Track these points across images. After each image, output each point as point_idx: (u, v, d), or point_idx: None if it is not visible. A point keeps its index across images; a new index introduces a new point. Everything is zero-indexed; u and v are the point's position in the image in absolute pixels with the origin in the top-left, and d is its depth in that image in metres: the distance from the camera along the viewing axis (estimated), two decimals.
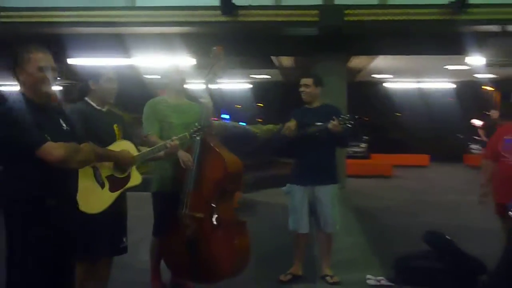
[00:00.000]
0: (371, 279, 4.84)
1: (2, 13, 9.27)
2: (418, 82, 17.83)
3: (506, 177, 4.58)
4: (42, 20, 9.29)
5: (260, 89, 19.76)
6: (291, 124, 4.70)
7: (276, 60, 13.25)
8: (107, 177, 3.51)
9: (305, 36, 9.85)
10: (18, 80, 2.92)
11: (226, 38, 9.82)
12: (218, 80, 4.49)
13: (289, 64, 13.50)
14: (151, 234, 4.51)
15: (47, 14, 9.30)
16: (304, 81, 4.85)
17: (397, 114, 21.52)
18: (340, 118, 4.50)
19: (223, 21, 9.09)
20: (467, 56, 9.89)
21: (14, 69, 2.91)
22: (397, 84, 17.65)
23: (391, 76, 16.49)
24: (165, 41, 9.98)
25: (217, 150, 4.34)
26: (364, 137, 18.03)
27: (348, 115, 4.56)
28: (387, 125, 20.68)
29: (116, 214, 3.61)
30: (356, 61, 12.52)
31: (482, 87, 26.78)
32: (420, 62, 13.30)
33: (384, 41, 9.82)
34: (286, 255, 5.12)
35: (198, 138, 4.16)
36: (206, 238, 4.17)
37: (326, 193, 4.74)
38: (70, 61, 11.00)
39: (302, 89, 4.84)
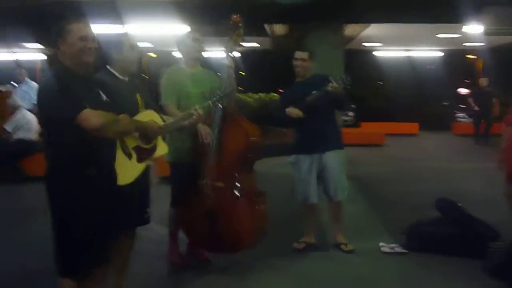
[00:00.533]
0: (385, 247, 4.92)
1: None
2: (408, 50, 17.83)
3: None
4: None
5: (247, 57, 19.56)
6: (296, 111, 4.69)
7: (269, 28, 13.10)
8: (133, 148, 3.47)
9: (300, 3, 9.71)
10: (59, 50, 2.93)
11: (218, 4, 9.70)
12: (237, 48, 4.46)
13: (282, 33, 13.36)
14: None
15: None
16: (301, 54, 4.81)
17: (379, 82, 21.57)
18: (338, 80, 4.51)
19: None
20: (463, 24, 9.87)
21: (55, 40, 2.92)
22: (387, 52, 17.62)
23: (381, 44, 16.44)
24: (159, 8, 9.77)
25: (238, 118, 4.33)
26: (352, 105, 18.04)
27: (344, 76, 4.58)
28: (374, 93, 20.72)
29: (140, 185, 3.59)
30: (349, 30, 12.43)
31: (466, 55, 26.97)
32: (411, 31, 13.25)
33: (379, 9, 9.73)
34: (295, 226, 5.17)
35: (220, 106, 4.13)
36: (227, 208, 4.19)
37: (335, 158, 4.79)
38: None
39: (298, 63, 4.81)
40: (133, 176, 3.44)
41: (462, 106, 19.80)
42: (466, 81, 22.88)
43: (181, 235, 4.55)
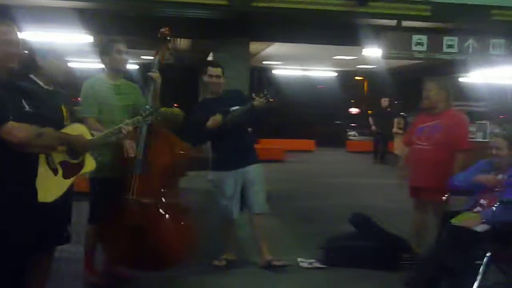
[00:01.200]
0: (303, 262, 5.00)
1: None
2: (305, 70, 18.52)
3: (417, 161, 4.95)
4: None
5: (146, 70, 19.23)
6: (218, 117, 4.63)
7: (173, 42, 13.01)
8: (60, 163, 3.25)
9: (209, 19, 9.76)
10: None
11: (122, 16, 9.50)
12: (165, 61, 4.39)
13: (185, 47, 13.32)
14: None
15: None
16: (215, 71, 4.81)
17: (271, 100, 22.22)
18: (262, 94, 4.58)
19: None
20: (364, 47, 10.45)
21: None
22: (286, 71, 18.19)
23: (280, 63, 16.95)
24: (59, 16, 9.35)
25: (164, 133, 4.24)
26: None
27: (268, 90, 4.64)
28: (272, 110, 21.24)
29: (62, 202, 3.37)
30: (252, 47, 12.68)
31: (355, 77, 28.43)
32: (310, 51, 13.80)
33: (286, 29, 10.04)
34: (215, 241, 5.12)
35: (149, 121, 4.00)
36: (153, 224, 4.06)
37: (256, 173, 4.84)
38: None
39: (213, 79, 4.80)
40: (58, 193, 3.22)
41: (353, 124, 20.88)
42: (352, 101, 24.23)
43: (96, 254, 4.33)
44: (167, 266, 4.21)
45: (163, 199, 4.11)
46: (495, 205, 3.93)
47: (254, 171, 4.81)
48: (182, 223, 4.20)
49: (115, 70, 4.32)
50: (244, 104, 4.66)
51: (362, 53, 10.97)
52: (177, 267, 4.26)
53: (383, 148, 14.39)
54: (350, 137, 19.43)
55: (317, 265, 4.95)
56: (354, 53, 13.88)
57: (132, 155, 4.05)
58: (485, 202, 4.16)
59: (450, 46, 9.35)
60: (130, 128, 3.68)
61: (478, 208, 4.17)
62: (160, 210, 4.09)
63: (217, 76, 4.80)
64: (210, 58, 10.95)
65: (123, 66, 4.34)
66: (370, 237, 5.08)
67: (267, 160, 13.16)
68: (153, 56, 4.43)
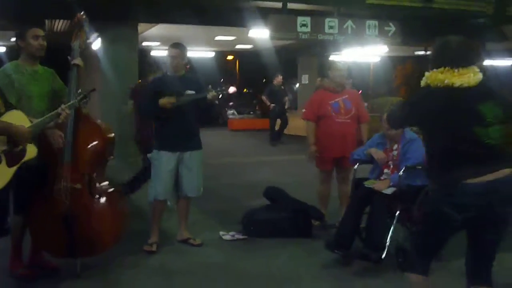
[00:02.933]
0: (226, 235, 5.26)
1: None
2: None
3: (338, 134, 5.43)
4: None
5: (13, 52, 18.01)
6: (171, 99, 4.73)
7: (48, 23, 12.42)
8: (2, 152, 3.18)
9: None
10: None
11: None
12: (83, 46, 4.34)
13: (62, 28, 12.77)
14: None
15: None
16: (172, 51, 4.92)
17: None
18: (219, 89, 4.80)
19: None
20: (251, 29, 10.79)
21: None
22: (164, 51, 18.04)
23: (158, 43, 16.79)
24: None
25: (91, 118, 4.23)
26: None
27: (222, 86, 4.90)
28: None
29: (4, 192, 3.31)
30: None
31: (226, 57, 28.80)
32: (192, 32, 13.88)
33: (173, 10, 10.08)
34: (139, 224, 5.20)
35: (84, 105, 3.97)
36: (86, 209, 4.07)
37: (196, 158, 4.97)
38: None
39: (171, 60, 4.91)
40: (3, 182, 3.16)
41: (231, 103, 21.34)
42: (221, 80, 24.71)
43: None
44: (101, 250, 4.23)
45: (94, 183, 4.13)
46: (401, 171, 4.47)
47: (195, 156, 4.95)
48: (114, 205, 4.24)
49: (32, 55, 4.20)
50: (199, 91, 4.81)
51: (249, 34, 11.31)
52: (108, 250, 4.30)
53: (284, 125, 14.06)
54: (230, 116, 19.88)
55: (239, 236, 5.24)
56: (235, 34, 14.23)
57: (61, 146, 3.99)
58: (388, 171, 4.71)
59: (331, 27, 10.01)
60: (68, 111, 3.65)
61: (384, 176, 4.71)
62: (92, 194, 4.11)
63: (175, 57, 4.89)
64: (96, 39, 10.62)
65: (40, 51, 4.22)
66: (285, 208, 5.46)
67: None
68: (72, 43, 4.34)
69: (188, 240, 5.06)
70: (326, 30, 9.98)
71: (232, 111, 20.84)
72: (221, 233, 5.33)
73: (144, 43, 16.25)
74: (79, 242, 4.04)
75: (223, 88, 5.01)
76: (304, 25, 9.80)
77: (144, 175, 6.05)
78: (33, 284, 4.13)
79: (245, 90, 30.39)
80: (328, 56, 15.78)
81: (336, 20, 10.06)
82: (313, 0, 9.39)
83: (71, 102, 3.79)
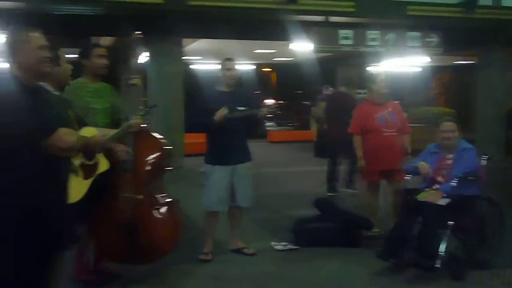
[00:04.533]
0: (277, 245, 5.38)
1: None
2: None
3: (385, 146, 5.51)
4: None
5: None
6: (223, 111, 4.86)
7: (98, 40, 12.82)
8: (79, 165, 3.40)
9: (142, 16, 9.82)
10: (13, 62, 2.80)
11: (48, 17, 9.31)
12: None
13: (110, 44, 13.15)
14: None
15: None
16: (230, 64, 5.09)
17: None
18: (272, 108, 4.96)
19: None
20: (292, 42, 10.94)
21: (10, 51, 2.79)
22: (204, 65, 18.33)
23: (200, 57, 17.08)
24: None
25: (149, 131, 4.46)
26: None
27: (274, 105, 5.04)
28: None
29: (79, 203, 3.51)
30: None
31: (262, 69, 29.00)
32: (232, 45, 14.09)
33: (215, 25, 10.31)
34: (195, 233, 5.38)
35: (148, 121, 4.19)
36: (147, 219, 4.26)
37: (247, 170, 5.13)
38: None
39: (229, 73, 5.07)
40: (81, 194, 3.37)
41: (269, 116, 21.37)
42: (258, 92, 24.86)
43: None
44: (160, 257, 4.42)
45: (154, 194, 4.33)
46: (454, 181, 4.52)
47: (244, 168, 5.12)
48: (171, 214, 4.42)
49: (95, 73, 4.43)
50: (251, 106, 4.97)
51: (290, 47, 11.47)
52: (164, 258, 4.48)
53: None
54: (269, 128, 19.94)
55: (291, 246, 5.35)
56: (275, 47, 14.39)
57: (126, 159, 4.19)
58: (442, 180, 4.76)
59: (373, 39, 10.11)
60: (139, 121, 3.86)
61: (437, 186, 4.77)
62: (152, 205, 4.30)
63: (233, 70, 5.06)
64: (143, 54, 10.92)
65: (103, 70, 4.45)
66: (335, 218, 5.55)
67: (196, 154, 13.50)
68: (127, 62, 4.54)
69: (242, 250, 5.20)
70: (368, 42, 10.09)
71: (271, 123, 20.90)
72: (272, 243, 5.45)
73: (186, 57, 16.54)
74: (140, 249, 4.21)
75: (276, 106, 5.14)
76: (346, 37, 9.94)
77: None
78: None
79: (280, 102, 30.49)
80: (367, 67, 15.78)
81: (378, 32, 10.15)
82: (354, 13, 9.48)
83: (138, 116, 3.98)
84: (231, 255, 5.19)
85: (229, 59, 5.15)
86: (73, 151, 2.80)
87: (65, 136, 2.68)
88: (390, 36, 10.19)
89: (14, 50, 2.76)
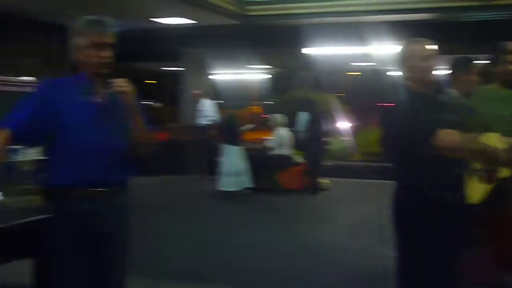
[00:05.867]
0: None
1: (250, 7, 9.95)
2: None
3: None
4: (285, 12, 9.77)
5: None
6: None
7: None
8: (480, 169, 3.47)
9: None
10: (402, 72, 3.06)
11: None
12: None
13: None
14: None
15: (289, 6, 9.82)
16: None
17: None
18: None
19: None
20: None
21: (400, 62, 3.05)
22: None
23: None
24: (398, 29, 9.85)
25: None
26: None
27: None
28: None
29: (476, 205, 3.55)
30: None
31: None
32: None
33: None
34: None
35: None
36: None
37: None
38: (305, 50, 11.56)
39: None
40: (481, 195, 3.43)
41: None
42: None
43: None
44: None
45: None
46: None
47: None
48: None
49: (504, 80, 4.37)
50: None
51: None
52: None
53: None
54: None
55: None
56: None
57: None
58: None
59: None
60: None
61: None
62: None
63: None
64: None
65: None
66: None
67: None
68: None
69: None
70: None
71: None
72: None
73: None
74: None
75: None
76: None
77: None
78: None
79: None
80: None
81: None
82: None
83: None
84: None
85: None
86: (457, 151, 2.90)
87: (445, 136, 2.80)
88: None
89: (402, 61, 3.03)
